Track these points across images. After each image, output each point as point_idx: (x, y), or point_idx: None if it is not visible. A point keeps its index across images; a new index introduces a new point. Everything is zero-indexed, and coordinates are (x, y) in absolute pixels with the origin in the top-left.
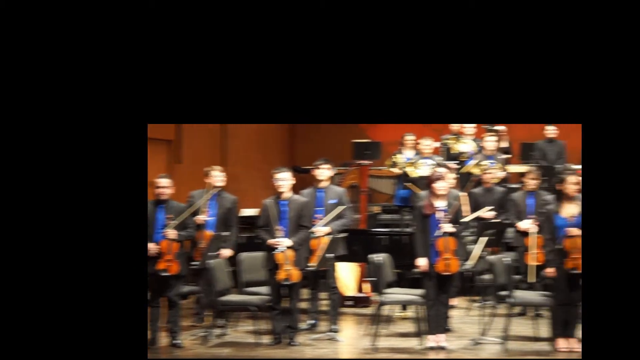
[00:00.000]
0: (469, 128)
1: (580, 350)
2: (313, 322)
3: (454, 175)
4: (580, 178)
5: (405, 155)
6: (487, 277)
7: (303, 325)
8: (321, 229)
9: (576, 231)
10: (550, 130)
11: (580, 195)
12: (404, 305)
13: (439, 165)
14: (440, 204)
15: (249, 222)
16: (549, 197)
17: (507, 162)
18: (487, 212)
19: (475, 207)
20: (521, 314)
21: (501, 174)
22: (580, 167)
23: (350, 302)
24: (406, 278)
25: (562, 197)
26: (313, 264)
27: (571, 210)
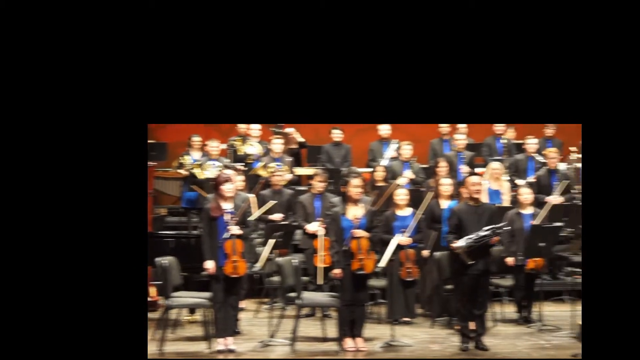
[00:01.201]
0: (255, 130)
1: (365, 349)
2: None
3: (241, 178)
4: (362, 181)
5: (193, 156)
6: (275, 279)
7: None
8: None
9: (361, 233)
10: (336, 134)
11: (365, 197)
12: (192, 308)
13: (226, 167)
14: (228, 206)
15: None
16: (335, 199)
17: (296, 164)
18: (275, 215)
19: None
20: (310, 315)
21: (288, 176)
22: (366, 170)
23: None
24: (194, 281)
25: (347, 199)
26: None
27: (356, 212)
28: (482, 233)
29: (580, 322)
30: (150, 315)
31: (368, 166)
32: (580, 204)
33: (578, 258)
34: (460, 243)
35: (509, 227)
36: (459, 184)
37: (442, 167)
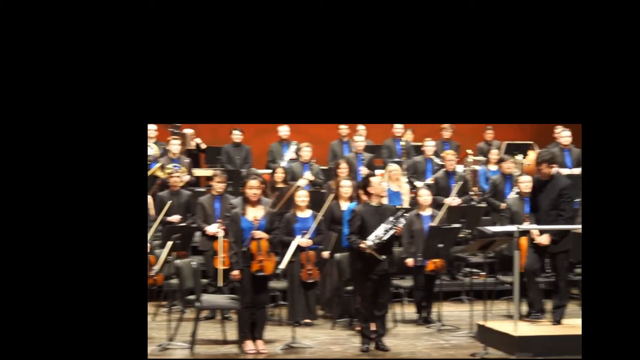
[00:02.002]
0: (152, 131)
1: (266, 351)
2: None
3: None
4: (259, 183)
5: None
6: (174, 281)
7: None
8: None
9: (261, 234)
10: (236, 135)
11: (265, 199)
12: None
13: None
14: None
15: None
16: (235, 200)
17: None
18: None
19: (160, 211)
20: (209, 318)
21: (187, 178)
22: (265, 171)
23: None
24: None
25: (246, 200)
26: None
27: (256, 213)
28: (385, 227)
29: (479, 322)
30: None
31: (268, 167)
32: (477, 205)
33: (476, 259)
34: (368, 242)
35: (408, 214)
36: (359, 185)
37: (342, 168)
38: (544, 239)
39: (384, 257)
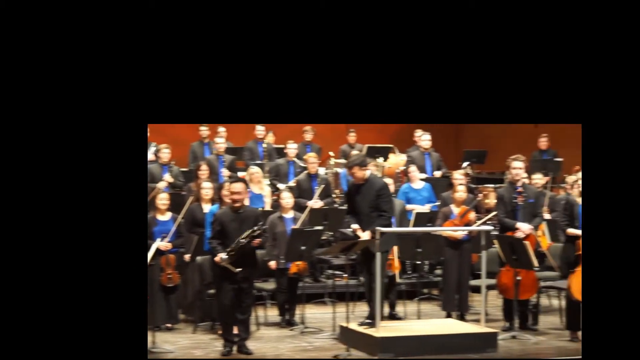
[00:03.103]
0: None
1: None
2: None
3: None
4: None
5: None
6: None
7: None
8: None
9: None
10: None
11: None
12: None
13: None
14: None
15: None
16: None
17: None
18: None
19: None
20: None
21: None
22: None
23: None
24: None
25: None
26: None
27: None
28: (240, 240)
29: (341, 324)
30: None
31: None
32: (340, 207)
33: (339, 261)
34: (223, 256)
35: (265, 227)
36: (220, 187)
37: (203, 170)
38: (366, 236)
39: (239, 269)
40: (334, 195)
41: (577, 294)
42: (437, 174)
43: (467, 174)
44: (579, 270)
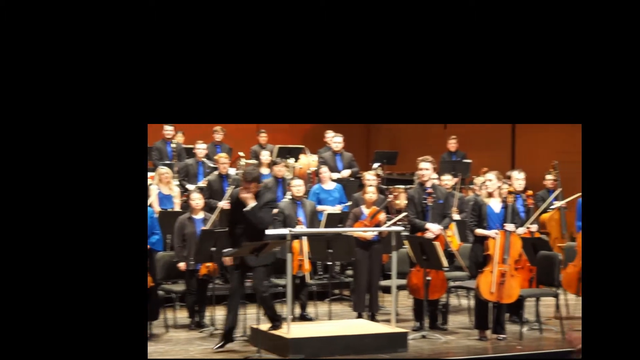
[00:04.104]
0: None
1: None
2: None
3: None
4: None
5: None
6: None
7: None
8: None
9: None
10: None
11: None
12: None
13: None
14: None
15: None
16: None
17: None
18: None
19: None
20: None
21: None
22: None
23: None
24: None
25: None
26: None
27: None
28: None
29: (252, 325)
30: None
31: None
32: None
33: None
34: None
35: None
36: None
37: None
38: None
39: None
40: None
41: (486, 293)
42: (346, 172)
43: (378, 175)
44: (487, 270)
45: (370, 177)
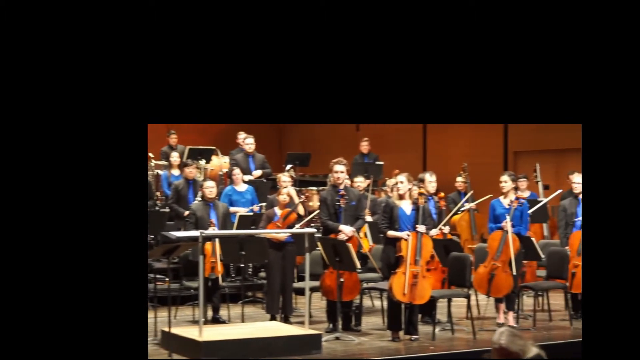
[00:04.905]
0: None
1: None
2: None
3: None
4: None
5: None
6: None
7: None
8: None
9: None
10: None
11: None
12: None
13: None
14: None
15: None
16: None
17: None
18: None
19: None
20: None
21: None
22: None
23: None
24: None
25: None
26: None
27: None
28: None
29: (163, 329)
30: None
31: None
32: (161, 210)
33: (160, 264)
34: None
35: None
36: None
37: None
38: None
39: None
40: (155, 198)
41: (398, 294)
42: (257, 173)
43: (291, 177)
44: (399, 271)
45: (285, 179)
